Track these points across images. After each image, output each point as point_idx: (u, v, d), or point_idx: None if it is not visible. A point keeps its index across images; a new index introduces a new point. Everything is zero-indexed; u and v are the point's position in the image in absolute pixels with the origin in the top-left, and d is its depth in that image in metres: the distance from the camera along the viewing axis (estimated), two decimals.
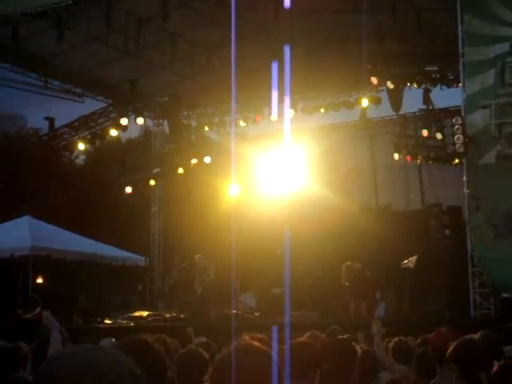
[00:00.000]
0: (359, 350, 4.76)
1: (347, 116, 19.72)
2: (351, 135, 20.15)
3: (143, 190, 21.00)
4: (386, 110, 18.60)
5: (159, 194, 21.73)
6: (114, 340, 7.34)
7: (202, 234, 19.05)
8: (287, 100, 16.83)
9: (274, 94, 16.33)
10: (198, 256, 17.63)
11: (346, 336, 5.07)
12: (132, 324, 15.54)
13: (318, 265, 17.45)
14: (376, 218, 17.62)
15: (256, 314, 15.90)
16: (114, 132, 19.31)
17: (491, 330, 6.77)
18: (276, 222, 17.70)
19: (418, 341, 5.46)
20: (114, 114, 19.69)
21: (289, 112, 17.89)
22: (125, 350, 2.75)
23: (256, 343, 2.40)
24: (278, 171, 18.78)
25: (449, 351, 4.24)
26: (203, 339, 8.75)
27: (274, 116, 18.27)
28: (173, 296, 17.97)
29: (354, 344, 4.76)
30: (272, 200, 18.51)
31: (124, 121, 18.97)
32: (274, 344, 2.93)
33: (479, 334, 5.42)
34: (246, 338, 2.49)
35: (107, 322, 15.96)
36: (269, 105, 18.29)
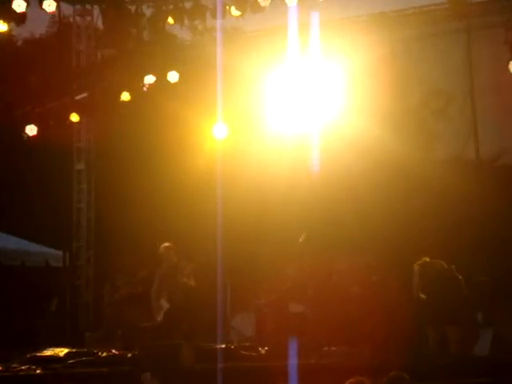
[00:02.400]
0: None
1: None
2: (432, 30, 19.96)
3: (59, 131, 19.96)
4: None
5: (87, 138, 21.28)
6: None
7: (163, 210, 19.25)
8: None
9: None
10: (164, 245, 17.02)
11: None
12: (39, 371, 14.91)
13: (372, 261, 17.19)
14: (475, 177, 18.15)
15: (262, 351, 16.05)
16: (1, 26, 18.42)
17: None
18: (292, 185, 18.97)
19: None
20: None
21: None
22: None
23: None
24: (295, 96, 18.86)
25: None
26: None
27: None
28: (117, 320, 18.00)
29: None
30: (284, 147, 19.29)
31: (19, 5, 17.83)
32: None
33: None
34: None
35: None
36: None
